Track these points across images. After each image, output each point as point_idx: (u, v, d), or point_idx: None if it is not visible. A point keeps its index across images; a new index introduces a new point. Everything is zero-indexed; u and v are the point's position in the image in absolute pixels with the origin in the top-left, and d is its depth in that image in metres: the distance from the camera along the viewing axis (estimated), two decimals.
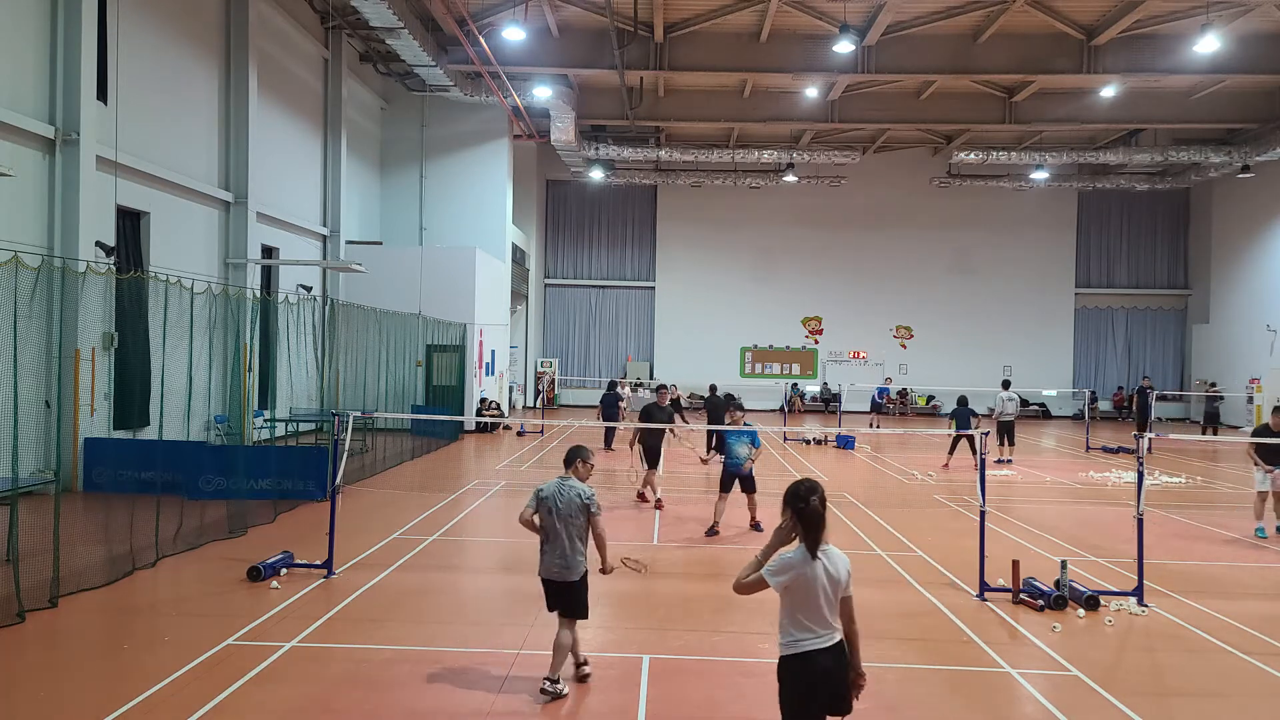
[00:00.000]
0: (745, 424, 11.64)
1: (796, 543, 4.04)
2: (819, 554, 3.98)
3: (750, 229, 35.62)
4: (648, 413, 14.13)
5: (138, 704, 5.68)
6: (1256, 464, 11.74)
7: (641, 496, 13.76)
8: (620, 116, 26.82)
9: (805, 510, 3.99)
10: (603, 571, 6.31)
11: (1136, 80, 23.23)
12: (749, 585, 4.11)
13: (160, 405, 12.52)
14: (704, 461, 13.35)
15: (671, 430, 14.06)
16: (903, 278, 35.57)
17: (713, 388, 21.45)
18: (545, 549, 6.19)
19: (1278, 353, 29.46)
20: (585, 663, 6.34)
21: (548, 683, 5.96)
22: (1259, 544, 11.42)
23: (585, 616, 6.24)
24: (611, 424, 19.40)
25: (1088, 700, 6.18)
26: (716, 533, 11.36)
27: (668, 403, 14.58)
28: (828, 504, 4.08)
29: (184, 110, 17.10)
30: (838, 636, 4.04)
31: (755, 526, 11.63)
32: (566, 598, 6.17)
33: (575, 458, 6.40)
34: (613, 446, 19.97)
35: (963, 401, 18.98)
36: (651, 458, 13.67)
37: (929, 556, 10.30)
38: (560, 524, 6.12)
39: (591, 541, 6.25)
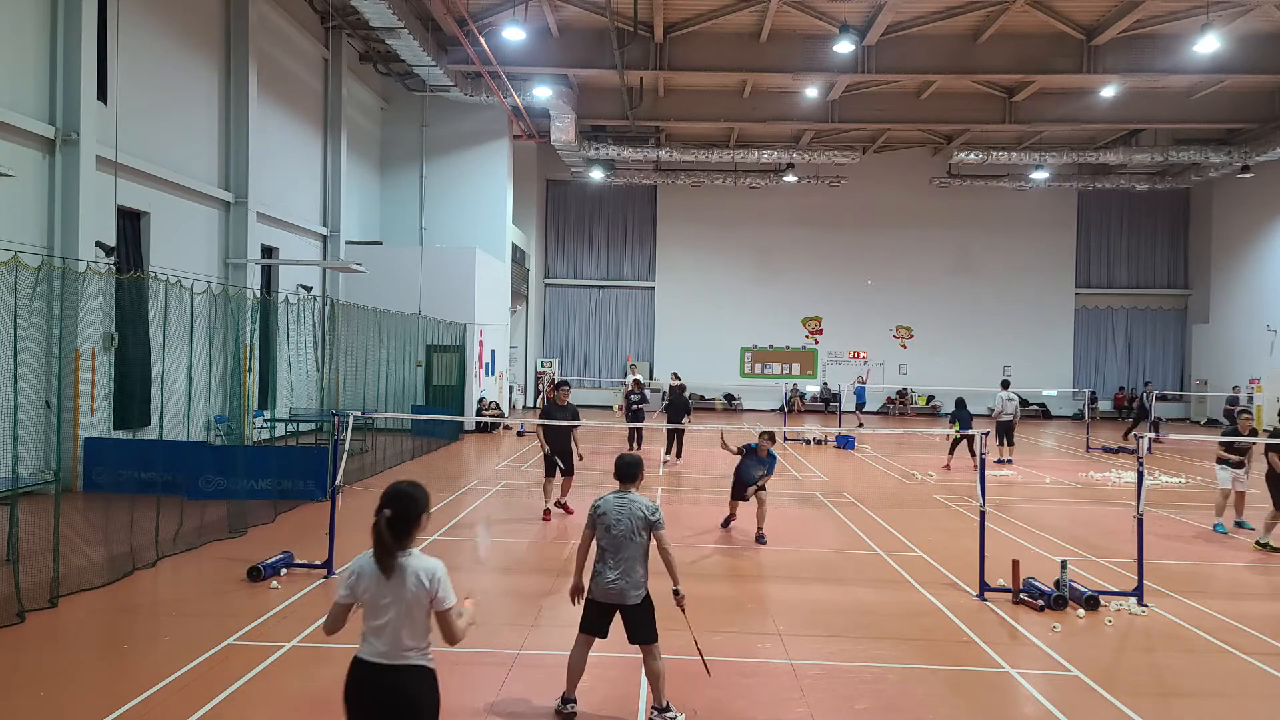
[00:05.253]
0: (770, 453, 11.38)
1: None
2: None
3: (750, 229, 35.61)
4: (547, 412, 12.51)
5: (138, 704, 5.68)
6: (1222, 461, 12.21)
7: (563, 508, 12.47)
8: (620, 116, 26.81)
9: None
10: (677, 597, 5.66)
11: (1136, 80, 23.23)
12: None
13: (160, 405, 12.50)
14: (725, 446, 12.57)
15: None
16: (903, 278, 35.58)
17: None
18: (599, 569, 5.60)
19: (1278, 353, 29.47)
20: (668, 709, 5.59)
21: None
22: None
23: (656, 640, 5.63)
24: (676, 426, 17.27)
25: (1088, 700, 6.18)
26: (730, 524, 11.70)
27: (567, 402, 12.53)
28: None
29: (184, 110, 17.09)
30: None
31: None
32: (630, 622, 5.58)
33: (638, 471, 5.84)
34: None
35: (960, 403, 19.05)
36: (563, 461, 12.13)
37: (929, 556, 10.29)
38: (618, 542, 5.55)
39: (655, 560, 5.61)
